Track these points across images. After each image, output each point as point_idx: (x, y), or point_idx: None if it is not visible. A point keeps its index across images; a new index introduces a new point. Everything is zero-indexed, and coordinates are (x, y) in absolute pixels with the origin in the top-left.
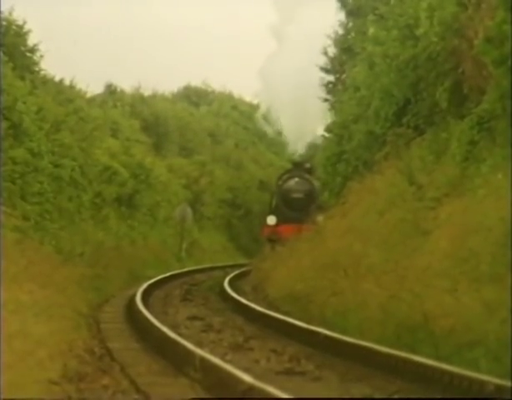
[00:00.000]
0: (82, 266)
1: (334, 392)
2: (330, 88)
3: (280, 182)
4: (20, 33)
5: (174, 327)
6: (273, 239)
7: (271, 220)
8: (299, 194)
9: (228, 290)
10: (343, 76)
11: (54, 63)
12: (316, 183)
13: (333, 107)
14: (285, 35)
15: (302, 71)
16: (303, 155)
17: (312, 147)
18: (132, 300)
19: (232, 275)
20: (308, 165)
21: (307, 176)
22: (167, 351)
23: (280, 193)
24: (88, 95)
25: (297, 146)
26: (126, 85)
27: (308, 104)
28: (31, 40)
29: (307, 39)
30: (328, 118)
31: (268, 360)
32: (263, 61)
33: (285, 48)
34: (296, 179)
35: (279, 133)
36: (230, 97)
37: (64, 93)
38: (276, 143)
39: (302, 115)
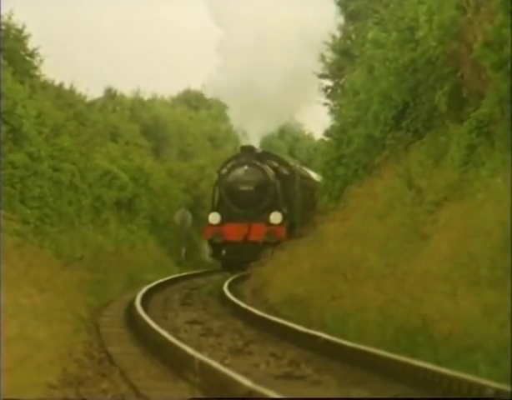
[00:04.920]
0: (82, 270)
1: (334, 396)
2: (329, 93)
3: (224, 171)
4: (19, 38)
5: (174, 331)
6: (217, 242)
7: (214, 218)
8: (249, 186)
9: (228, 294)
10: (342, 80)
11: (54, 67)
12: (271, 173)
13: (332, 112)
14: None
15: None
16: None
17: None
18: (131, 304)
19: (231, 279)
20: (259, 150)
21: (258, 163)
22: (166, 355)
23: (224, 185)
24: (88, 99)
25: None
26: (125, 89)
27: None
28: (30, 44)
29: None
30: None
31: (267, 364)
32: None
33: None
34: (245, 167)
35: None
36: None
37: (64, 97)
38: (275, 147)
39: (253, 104)
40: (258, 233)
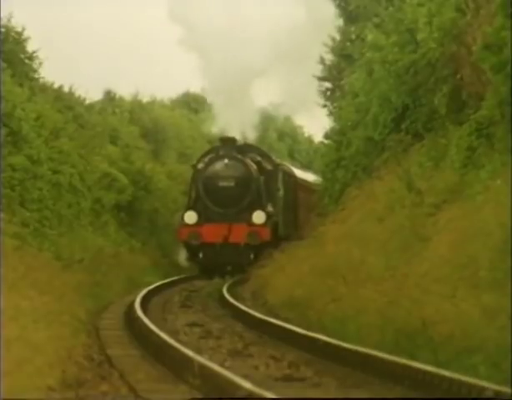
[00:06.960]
0: (82, 272)
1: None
2: (329, 95)
3: (201, 165)
4: (19, 40)
5: (173, 334)
6: (194, 244)
7: (190, 217)
8: (229, 182)
9: (227, 296)
10: (342, 82)
11: (53, 70)
12: (254, 167)
13: (331, 114)
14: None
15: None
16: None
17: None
18: (131, 306)
19: (231, 281)
20: (241, 142)
21: (240, 156)
22: (166, 357)
23: (202, 181)
24: (87, 102)
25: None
26: (125, 91)
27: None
28: (30, 47)
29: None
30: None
31: (267, 366)
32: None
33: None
34: (225, 161)
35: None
36: None
37: (63, 100)
38: (275, 149)
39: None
40: (239, 234)
